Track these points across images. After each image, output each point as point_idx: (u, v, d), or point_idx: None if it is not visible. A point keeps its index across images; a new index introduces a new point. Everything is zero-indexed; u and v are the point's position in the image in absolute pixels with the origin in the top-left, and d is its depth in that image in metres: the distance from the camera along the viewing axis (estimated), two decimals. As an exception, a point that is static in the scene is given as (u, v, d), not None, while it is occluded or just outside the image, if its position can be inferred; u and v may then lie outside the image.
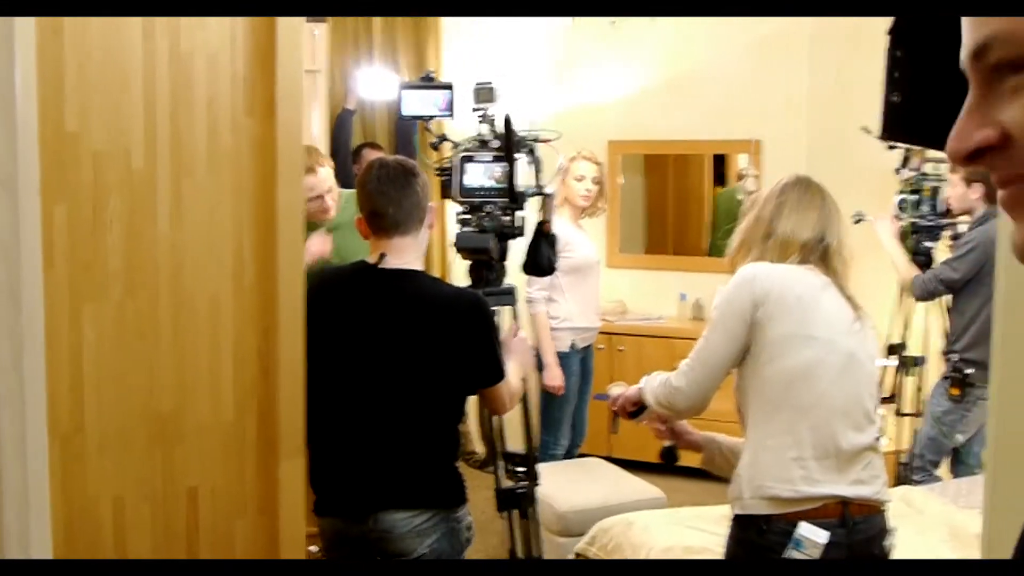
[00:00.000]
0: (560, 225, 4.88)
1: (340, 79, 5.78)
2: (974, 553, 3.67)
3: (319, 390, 2.65)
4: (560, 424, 4.97)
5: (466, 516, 2.75)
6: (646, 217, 7.38)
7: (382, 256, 2.67)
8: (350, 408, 2.67)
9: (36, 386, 1.88)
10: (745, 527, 2.48)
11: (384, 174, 2.67)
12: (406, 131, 5.84)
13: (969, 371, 4.45)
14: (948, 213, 4.71)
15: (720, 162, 7.25)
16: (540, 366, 4.80)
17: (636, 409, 2.76)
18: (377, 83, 5.78)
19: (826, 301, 2.47)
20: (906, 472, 4.72)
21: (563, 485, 4.56)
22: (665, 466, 6.22)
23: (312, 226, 3.46)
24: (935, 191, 4.63)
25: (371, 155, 5.70)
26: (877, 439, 2.51)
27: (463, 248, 3.07)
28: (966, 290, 4.40)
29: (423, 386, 2.64)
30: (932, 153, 4.65)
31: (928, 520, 3.93)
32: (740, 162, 7.06)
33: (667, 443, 2.86)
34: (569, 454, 5.16)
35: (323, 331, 2.66)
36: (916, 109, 1.68)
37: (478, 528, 2.84)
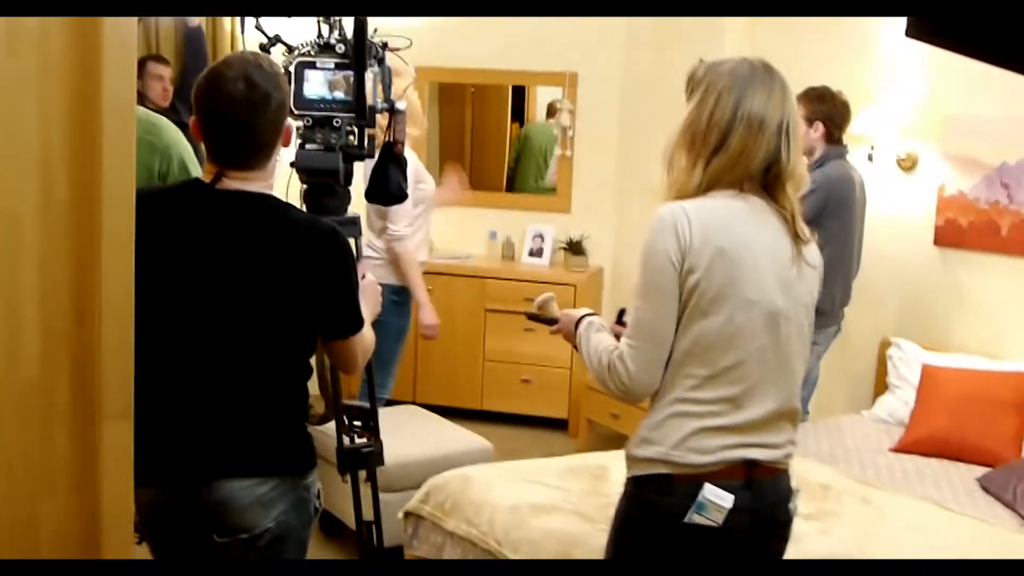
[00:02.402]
0: (408, 153, 4.53)
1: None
2: (827, 505, 3.55)
3: (139, 335, 2.17)
4: (389, 365, 4.65)
5: (315, 483, 2.35)
6: (440, 151, 7.02)
7: (219, 175, 2.19)
8: (179, 357, 2.21)
9: None
10: (642, 486, 2.21)
11: (236, 91, 2.14)
12: (196, 42, 5.22)
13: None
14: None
15: (519, 97, 6.97)
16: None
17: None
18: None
19: (760, 247, 2.14)
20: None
21: (383, 437, 4.17)
22: (475, 412, 6.02)
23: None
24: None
25: (156, 70, 5.08)
26: (797, 406, 2.25)
27: (304, 168, 2.62)
28: (805, 232, 4.26)
29: (268, 332, 2.21)
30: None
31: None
32: (540, 96, 6.81)
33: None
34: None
35: (144, 265, 2.17)
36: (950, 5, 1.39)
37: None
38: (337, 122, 2.60)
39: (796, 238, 2.19)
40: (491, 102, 7.06)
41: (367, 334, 2.40)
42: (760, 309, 2.13)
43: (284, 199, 2.30)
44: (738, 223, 2.14)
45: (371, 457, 2.83)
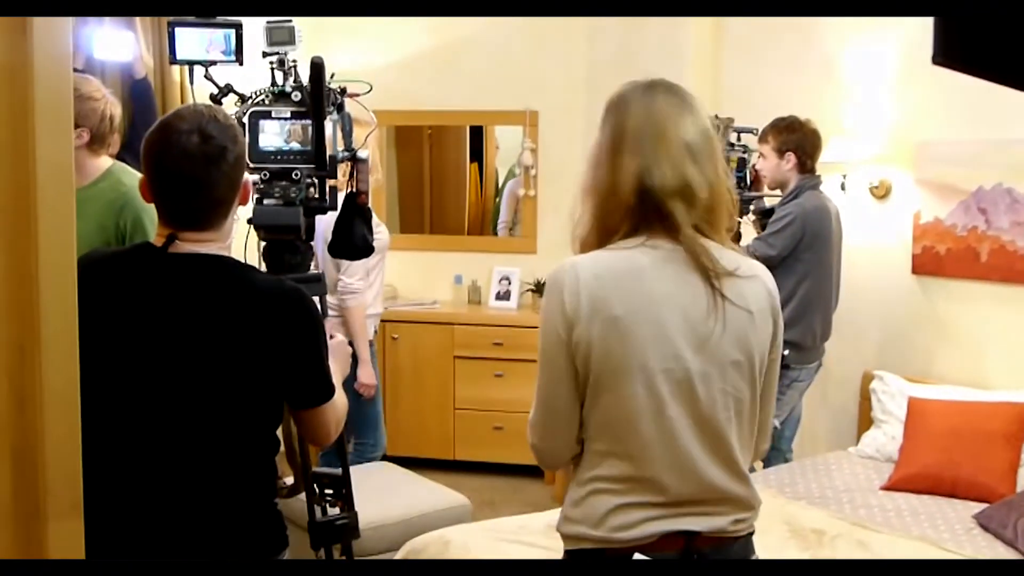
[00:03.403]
0: None
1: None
2: (822, 552, 3.40)
3: (91, 415, 1.99)
4: (378, 423, 4.55)
5: (286, 565, 2.16)
6: (400, 195, 6.87)
7: (171, 237, 2.01)
8: (134, 437, 2.01)
9: None
10: (577, 560, 1.99)
11: (189, 145, 1.96)
12: (144, 94, 5.03)
13: (784, 352, 4.21)
14: (754, 185, 4.46)
15: (477, 136, 6.83)
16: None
17: None
18: (113, 43, 4.91)
19: (665, 306, 1.85)
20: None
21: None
22: (447, 463, 5.83)
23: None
24: (742, 162, 4.37)
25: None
26: (739, 477, 1.93)
27: (264, 225, 2.45)
28: (782, 267, 4.14)
29: (232, 406, 2.02)
30: (738, 123, 4.39)
31: (761, 516, 3.64)
32: (499, 135, 6.68)
33: None
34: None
35: (93, 340, 1.99)
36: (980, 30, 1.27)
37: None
38: (296, 174, 2.44)
39: (711, 282, 1.86)
40: (449, 143, 6.93)
41: (339, 400, 2.22)
42: (668, 377, 1.85)
43: (242, 258, 2.13)
44: (636, 281, 1.85)
45: (346, 530, 2.63)
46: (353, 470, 4.41)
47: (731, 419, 1.90)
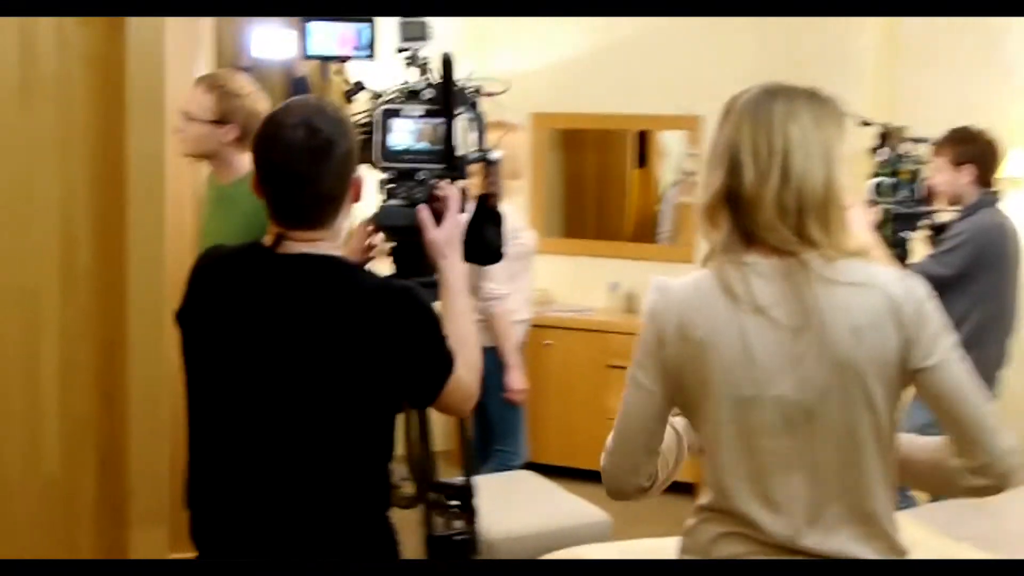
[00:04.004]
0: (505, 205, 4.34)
1: (229, 37, 5.00)
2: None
3: (199, 420, 1.99)
4: (520, 431, 4.49)
5: (399, 582, 2.08)
6: (564, 199, 6.78)
7: (279, 237, 1.96)
8: (241, 443, 1.97)
9: None
10: None
11: (295, 139, 1.90)
12: (302, 90, 5.10)
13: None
14: (928, 199, 4.18)
15: (642, 141, 6.68)
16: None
17: None
18: (273, 42, 4.99)
19: (753, 325, 1.72)
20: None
21: (491, 506, 3.88)
22: (595, 474, 5.68)
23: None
24: (914, 174, 4.08)
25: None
26: (863, 517, 1.75)
27: (388, 226, 2.38)
28: (955, 289, 3.86)
29: (342, 410, 1.95)
30: (911, 133, 4.12)
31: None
32: (664, 140, 6.52)
33: None
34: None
35: (201, 342, 1.96)
36: None
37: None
38: (421, 175, 2.35)
39: (805, 297, 1.70)
40: (613, 148, 6.81)
41: (463, 374, 2.08)
42: (755, 405, 1.72)
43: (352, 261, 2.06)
44: (722, 300, 1.74)
45: (465, 546, 2.53)
46: (491, 478, 4.36)
47: (839, 449, 1.73)
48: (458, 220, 2.29)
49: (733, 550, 1.78)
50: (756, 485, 1.74)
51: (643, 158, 6.73)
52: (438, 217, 2.28)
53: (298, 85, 5.02)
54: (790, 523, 1.74)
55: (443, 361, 2.03)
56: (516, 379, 4.35)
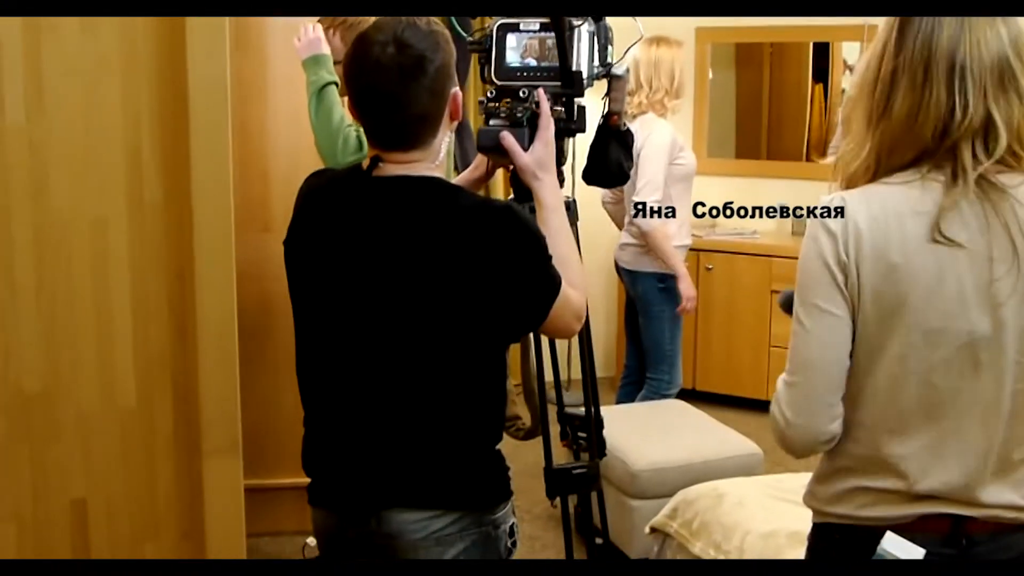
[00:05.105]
0: (664, 127, 4.17)
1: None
2: None
3: (308, 344, 1.97)
4: (675, 358, 4.35)
5: (508, 518, 2.01)
6: (737, 117, 6.51)
7: (375, 160, 1.88)
8: (346, 370, 1.93)
9: None
10: (821, 535, 1.76)
11: (384, 57, 1.81)
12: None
13: None
14: None
15: (823, 53, 6.31)
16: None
17: None
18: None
19: (950, 255, 1.56)
20: None
21: (637, 435, 3.80)
22: (759, 403, 5.49)
23: None
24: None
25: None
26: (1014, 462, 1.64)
27: (484, 147, 2.25)
28: None
29: (447, 338, 1.87)
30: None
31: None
32: (847, 54, 6.15)
33: None
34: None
35: (303, 270, 1.93)
36: None
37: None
38: (524, 92, 2.22)
39: (1010, 233, 1.55)
40: (791, 62, 6.46)
41: (570, 293, 1.96)
42: (943, 340, 1.56)
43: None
44: (918, 225, 1.57)
45: (584, 480, 2.44)
46: (644, 406, 4.27)
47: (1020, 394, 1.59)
48: (549, 139, 2.14)
49: (871, 500, 1.66)
50: (930, 432, 1.61)
51: (823, 72, 6.38)
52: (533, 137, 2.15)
53: None
54: (963, 473, 1.61)
55: (549, 280, 1.93)
56: (685, 286, 4.23)
